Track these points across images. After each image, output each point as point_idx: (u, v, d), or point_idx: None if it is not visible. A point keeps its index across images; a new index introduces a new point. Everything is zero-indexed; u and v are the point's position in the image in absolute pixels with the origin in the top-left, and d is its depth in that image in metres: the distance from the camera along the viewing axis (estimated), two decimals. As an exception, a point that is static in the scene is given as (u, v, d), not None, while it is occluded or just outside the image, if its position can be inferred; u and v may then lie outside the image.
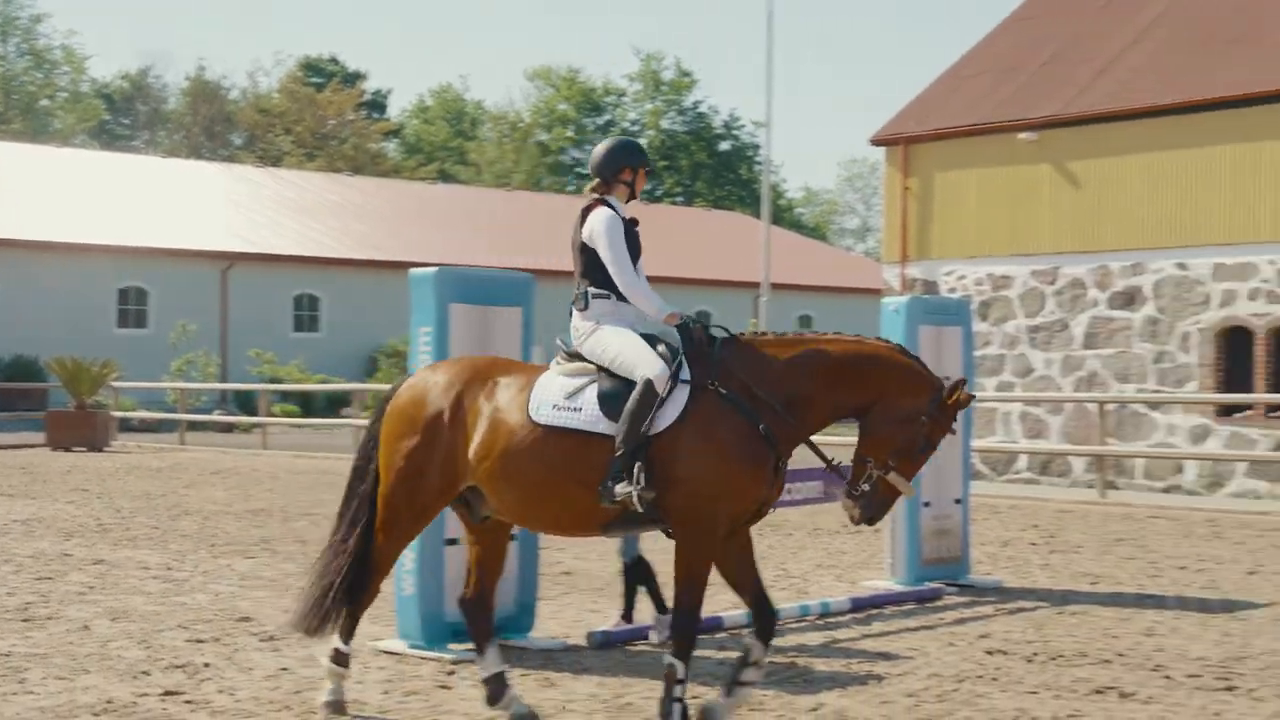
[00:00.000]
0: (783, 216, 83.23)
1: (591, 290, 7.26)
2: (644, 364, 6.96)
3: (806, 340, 7.16)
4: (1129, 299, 22.72)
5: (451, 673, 8.44)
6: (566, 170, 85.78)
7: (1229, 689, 8.20)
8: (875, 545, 14.28)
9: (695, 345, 7.12)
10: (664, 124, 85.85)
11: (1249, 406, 21.32)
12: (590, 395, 7.00)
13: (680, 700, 6.81)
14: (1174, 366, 22.28)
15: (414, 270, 9.12)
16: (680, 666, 6.81)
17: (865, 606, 10.96)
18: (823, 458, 7.30)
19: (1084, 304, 23.21)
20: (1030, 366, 23.81)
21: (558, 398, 7.03)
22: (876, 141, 25.97)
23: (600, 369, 7.11)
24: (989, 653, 9.20)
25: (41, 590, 11.31)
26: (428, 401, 7.26)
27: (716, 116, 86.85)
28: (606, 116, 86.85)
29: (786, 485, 10.88)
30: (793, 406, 6.95)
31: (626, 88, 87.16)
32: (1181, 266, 22.16)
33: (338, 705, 7.36)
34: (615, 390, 6.97)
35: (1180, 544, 15.25)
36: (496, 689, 7.21)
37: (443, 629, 8.92)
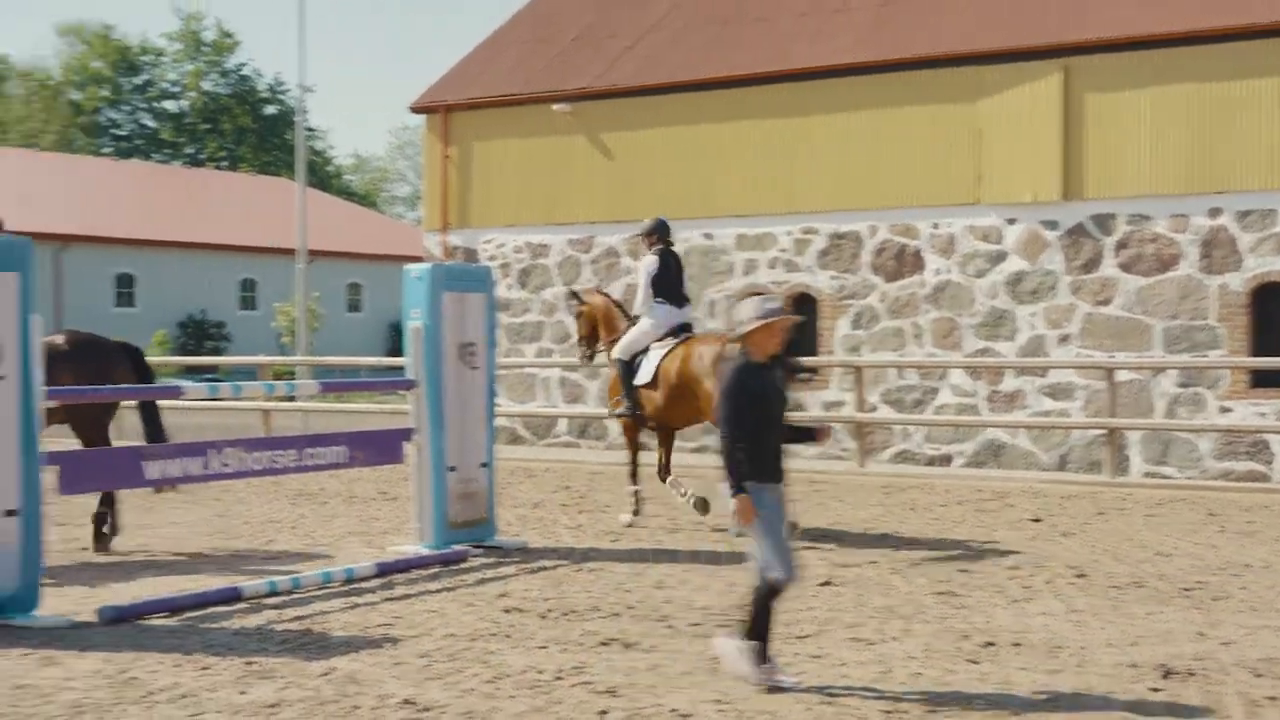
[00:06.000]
0: (331, 183, 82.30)
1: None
2: None
3: None
4: (659, 267, 23.56)
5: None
6: (102, 132, 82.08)
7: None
8: (408, 511, 14.36)
9: None
10: (206, 85, 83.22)
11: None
12: None
13: None
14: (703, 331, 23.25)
15: (-112, 235, 8.47)
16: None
17: (391, 571, 11.02)
18: None
19: (618, 271, 23.94)
20: (568, 333, 24.39)
21: None
22: (416, 109, 25.99)
23: None
24: (505, 611, 9.42)
25: None
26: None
27: (261, 80, 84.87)
28: (144, 76, 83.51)
29: (310, 450, 10.88)
30: None
31: (166, 47, 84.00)
32: (707, 236, 23.15)
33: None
34: None
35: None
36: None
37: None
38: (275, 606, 9.62)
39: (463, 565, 11.48)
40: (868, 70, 21.80)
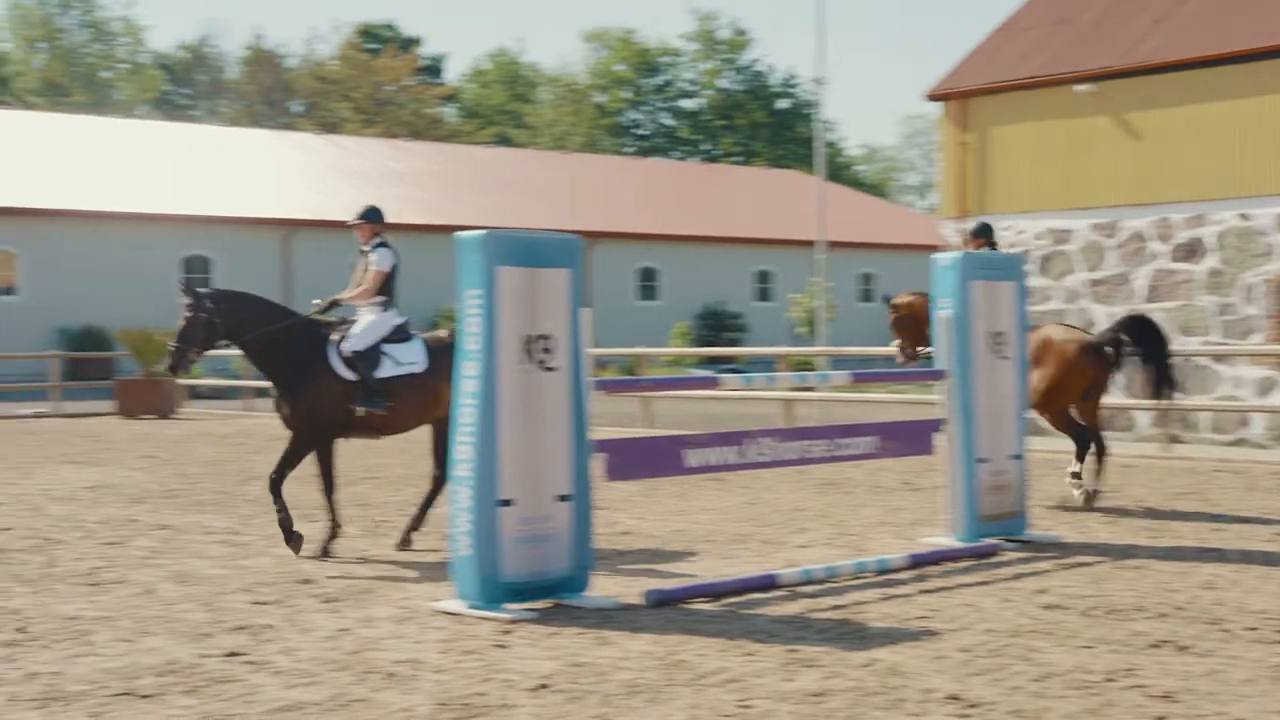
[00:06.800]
0: (842, 174, 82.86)
1: None
2: None
3: None
4: (1191, 251, 22.48)
5: (508, 632, 8.53)
6: (624, 132, 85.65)
7: (1287, 641, 8.15)
8: (934, 503, 14.26)
9: None
10: (721, 83, 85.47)
11: (1314, 358, 21.09)
12: None
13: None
14: (1238, 319, 22.05)
15: (460, 234, 9.11)
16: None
17: (923, 563, 10.94)
18: None
19: (1145, 257, 22.99)
20: (1092, 320, 23.62)
21: None
22: (933, 96, 25.78)
23: None
24: (1045, 608, 9.18)
25: (108, 555, 11.51)
26: None
27: (774, 75, 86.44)
28: (664, 77, 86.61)
29: (841, 440, 10.95)
30: None
31: (683, 48, 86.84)
32: (1244, 217, 21.90)
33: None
34: None
35: (1244, 498, 15.13)
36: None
37: (499, 589, 8.99)
38: (811, 595, 9.73)
39: (995, 559, 11.27)
40: None
